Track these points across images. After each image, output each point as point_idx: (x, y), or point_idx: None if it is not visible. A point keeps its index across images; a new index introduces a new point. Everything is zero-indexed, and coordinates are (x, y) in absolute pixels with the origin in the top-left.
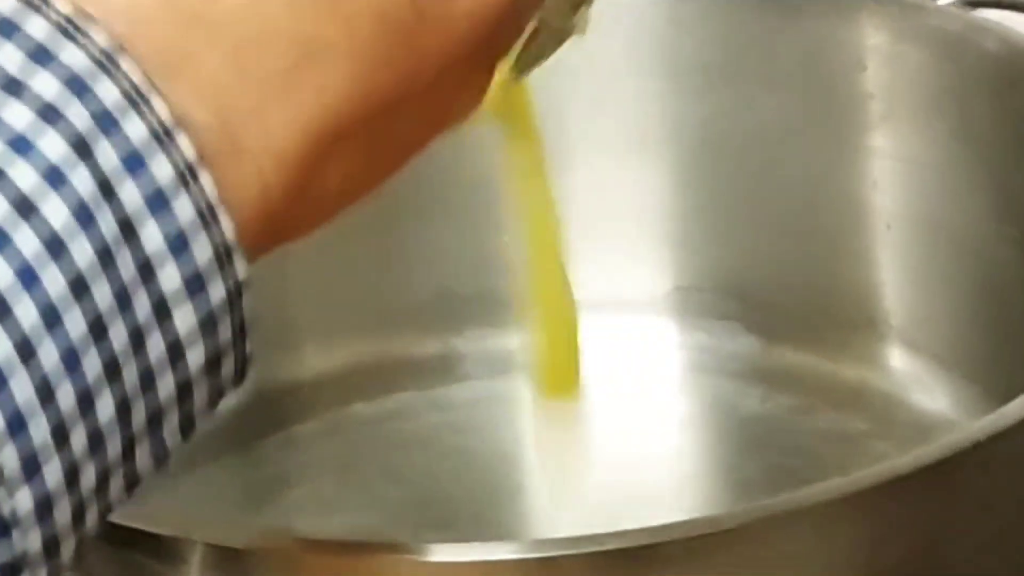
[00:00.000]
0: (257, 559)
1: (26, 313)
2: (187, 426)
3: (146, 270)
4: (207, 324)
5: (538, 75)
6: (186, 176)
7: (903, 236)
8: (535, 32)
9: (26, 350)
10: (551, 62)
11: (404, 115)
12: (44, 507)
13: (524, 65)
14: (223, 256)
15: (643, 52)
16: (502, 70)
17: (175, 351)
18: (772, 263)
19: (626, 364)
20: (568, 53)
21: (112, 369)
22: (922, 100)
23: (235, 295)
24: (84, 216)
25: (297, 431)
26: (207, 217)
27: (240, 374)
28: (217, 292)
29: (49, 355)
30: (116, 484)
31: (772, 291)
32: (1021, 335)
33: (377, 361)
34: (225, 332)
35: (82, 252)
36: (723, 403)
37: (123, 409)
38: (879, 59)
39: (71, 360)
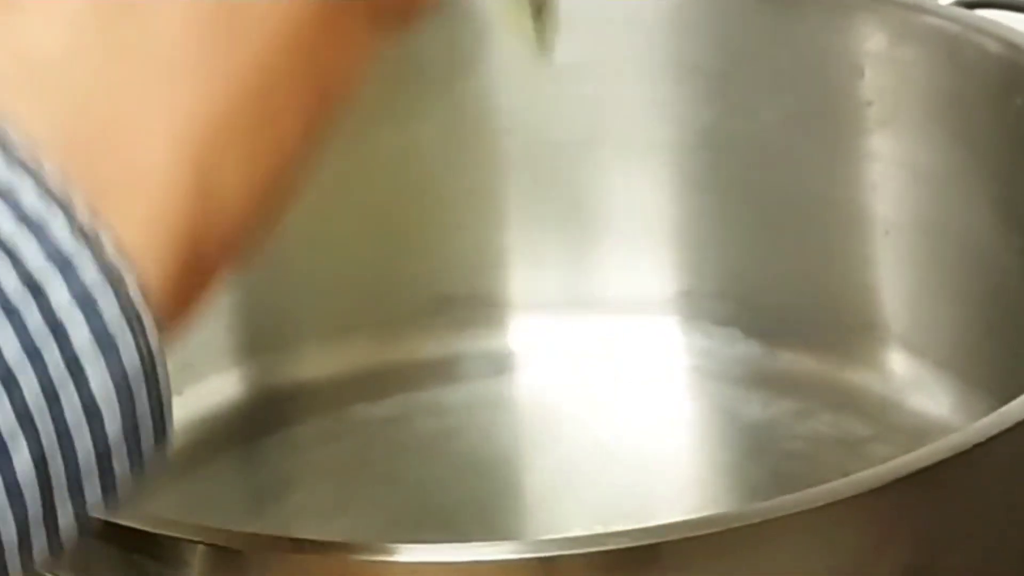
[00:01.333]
0: (257, 561)
1: None
2: (110, 490)
3: (55, 325)
4: (121, 387)
5: (541, 79)
6: (86, 234)
7: (903, 240)
8: None
9: None
10: (556, 67)
11: (273, 103)
12: None
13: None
14: (132, 317)
15: (644, 57)
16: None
17: (91, 412)
18: (773, 268)
19: (628, 368)
20: (571, 58)
21: (26, 418)
22: (921, 103)
23: (148, 361)
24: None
25: (297, 433)
26: (111, 276)
27: (161, 448)
28: (129, 355)
29: None
30: (39, 544)
31: (773, 296)
32: (1021, 338)
33: (377, 363)
34: (141, 400)
35: (8, 345)
36: (725, 407)
37: (41, 464)
38: (878, 62)
39: None
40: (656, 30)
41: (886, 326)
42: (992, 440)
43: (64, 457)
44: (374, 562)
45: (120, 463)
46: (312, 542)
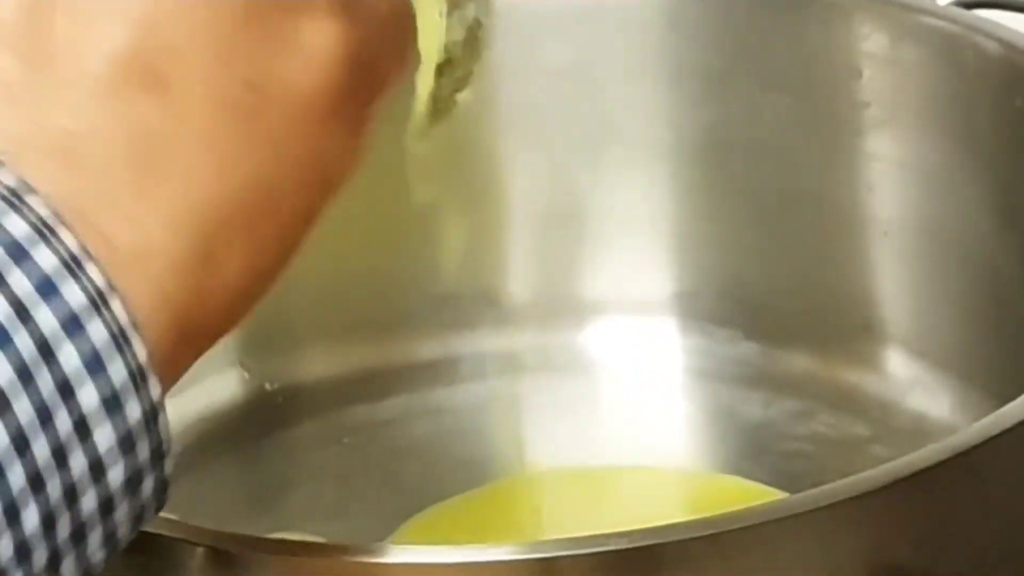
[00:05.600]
0: (256, 563)
1: None
2: (110, 542)
3: (65, 389)
4: (126, 443)
5: (540, 81)
6: (97, 302)
7: (902, 241)
8: (444, 65)
9: None
10: (555, 68)
11: (281, 190)
12: None
13: (441, 101)
14: (137, 377)
15: (643, 57)
16: (413, 117)
17: (96, 468)
18: (772, 268)
19: (627, 368)
20: (570, 59)
21: (37, 482)
22: (920, 103)
23: (151, 416)
24: (1, 336)
25: (296, 434)
26: (120, 340)
27: (159, 496)
28: (134, 412)
29: None
30: None
31: (772, 296)
32: (1020, 338)
33: (377, 364)
34: (143, 452)
35: (1, 370)
36: (724, 408)
37: (48, 522)
38: (876, 62)
39: None
40: (655, 30)
41: (885, 326)
42: (992, 441)
43: (70, 513)
44: (373, 563)
45: (121, 511)
46: (310, 544)
